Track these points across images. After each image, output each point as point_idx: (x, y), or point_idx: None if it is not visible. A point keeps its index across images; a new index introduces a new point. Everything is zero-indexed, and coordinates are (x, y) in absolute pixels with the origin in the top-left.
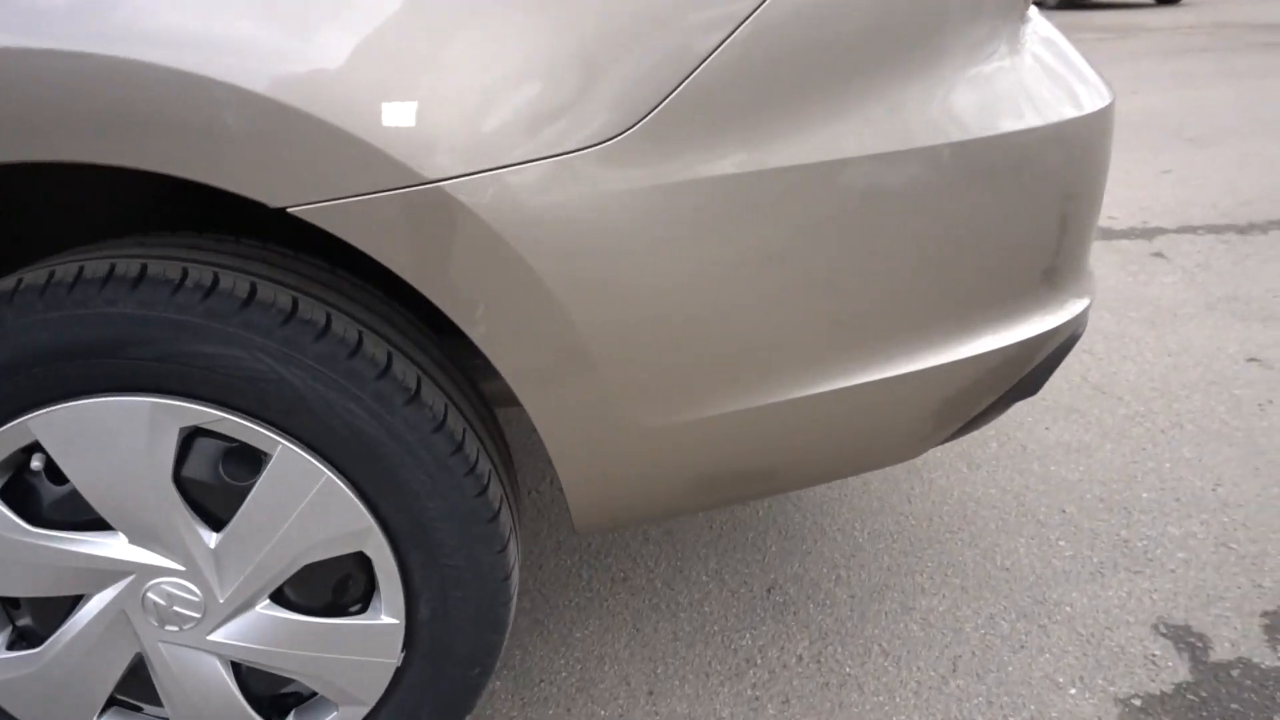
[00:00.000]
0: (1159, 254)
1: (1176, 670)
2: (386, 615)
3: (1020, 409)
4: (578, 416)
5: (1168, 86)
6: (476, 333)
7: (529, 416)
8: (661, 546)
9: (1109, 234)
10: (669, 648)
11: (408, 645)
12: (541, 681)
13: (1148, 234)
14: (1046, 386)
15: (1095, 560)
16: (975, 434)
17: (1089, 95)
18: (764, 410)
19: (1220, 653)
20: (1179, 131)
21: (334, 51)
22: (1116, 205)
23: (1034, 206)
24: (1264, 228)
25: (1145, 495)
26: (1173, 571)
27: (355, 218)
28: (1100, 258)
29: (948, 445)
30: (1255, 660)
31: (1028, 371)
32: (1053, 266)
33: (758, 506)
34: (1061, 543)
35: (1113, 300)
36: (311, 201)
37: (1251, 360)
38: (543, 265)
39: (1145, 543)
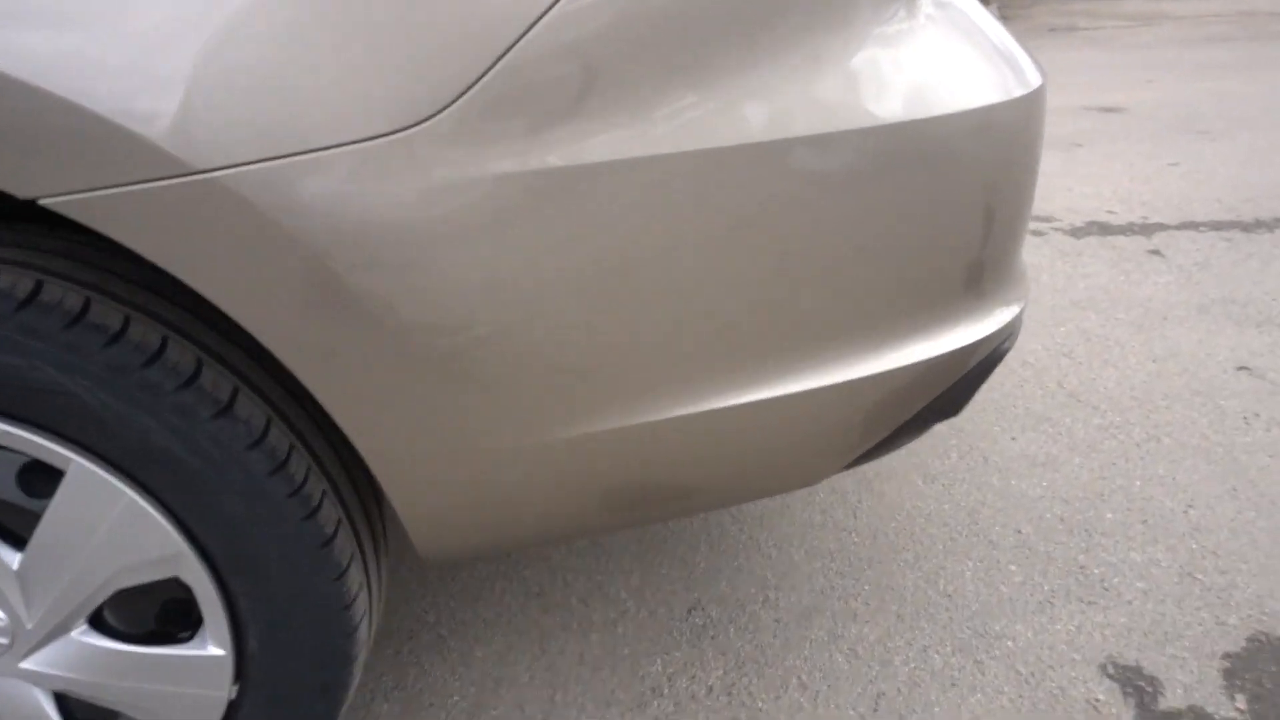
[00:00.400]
0: (1156, 251)
1: (1120, 718)
2: (213, 646)
3: (987, 415)
4: (403, 434)
5: (1185, 76)
6: (267, 338)
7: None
8: (584, 559)
9: (1106, 229)
10: (573, 672)
11: (240, 678)
12: (431, 705)
13: (1147, 230)
14: (1017, 391)
15: (1046, 588)
16: (934, 441)
17: (1013, 78)
18: (638, 430)
19: (1171, 699)
20: (1191, 123)
21: (89, 27)
22: (1117, 199)
23: (950, 200)
24: (1270, 225)
25: (1110, 516)
26: (1129, 604)
27: (115, 211)
28: (1094, 254)
29: (902, 453)
30: (1209, 710)
31: (948, 388)
32: (975, 267)
33: (692, 517)
34: (1012, 567)
35: (1101, 300)
36: (65, 192)
37: (1241, 369)
38: (340, 263)
39: (1103, 570)
